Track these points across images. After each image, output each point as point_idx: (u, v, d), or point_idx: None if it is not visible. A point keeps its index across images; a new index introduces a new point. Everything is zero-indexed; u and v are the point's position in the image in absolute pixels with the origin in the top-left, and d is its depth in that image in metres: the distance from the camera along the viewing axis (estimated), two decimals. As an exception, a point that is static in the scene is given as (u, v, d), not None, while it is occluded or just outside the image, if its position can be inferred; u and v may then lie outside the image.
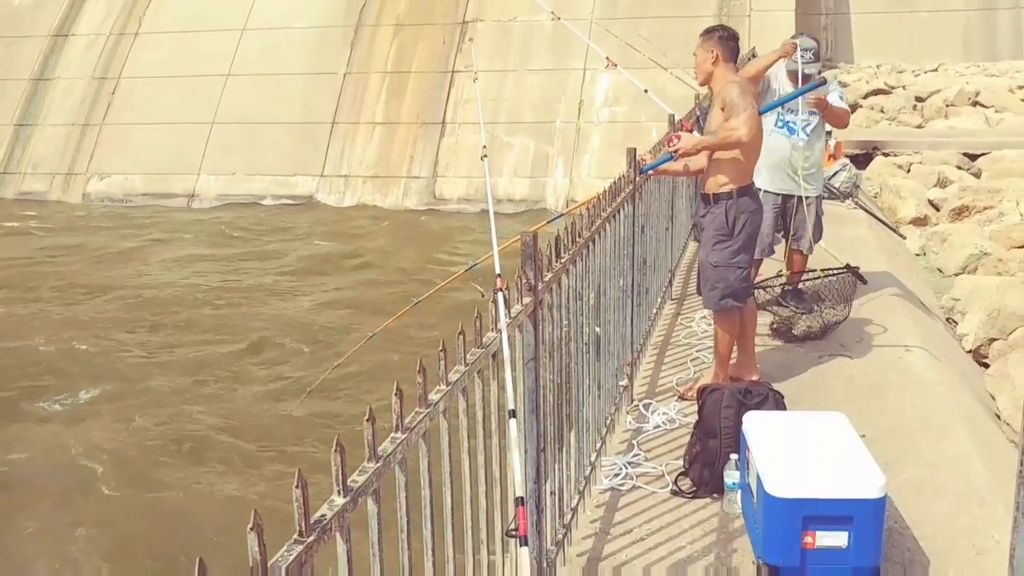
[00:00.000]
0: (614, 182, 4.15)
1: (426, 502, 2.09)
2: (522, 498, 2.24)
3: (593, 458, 3.68)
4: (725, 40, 4.37)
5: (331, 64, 16.71)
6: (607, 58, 6.20)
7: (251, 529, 1.38)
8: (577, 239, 3.35)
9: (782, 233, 5.82)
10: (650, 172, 4.66)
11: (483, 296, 3.71)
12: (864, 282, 6.29)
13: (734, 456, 3.50)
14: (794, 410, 3.88)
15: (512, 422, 2.35)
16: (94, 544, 5.60)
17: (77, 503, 6.10)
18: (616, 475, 3.81)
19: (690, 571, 3.18)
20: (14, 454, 6.75)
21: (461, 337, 2.28)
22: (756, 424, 3.36)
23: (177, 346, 9.09)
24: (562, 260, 3.15)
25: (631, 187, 4.38)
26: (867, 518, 2.89)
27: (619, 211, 4.15)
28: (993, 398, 5.52)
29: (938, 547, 3.27)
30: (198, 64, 17.08)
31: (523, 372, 2.75)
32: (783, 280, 5.72)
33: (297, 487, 1.52)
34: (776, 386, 4.08)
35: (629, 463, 3.90)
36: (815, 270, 5.68)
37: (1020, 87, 14.94)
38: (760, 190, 5.08)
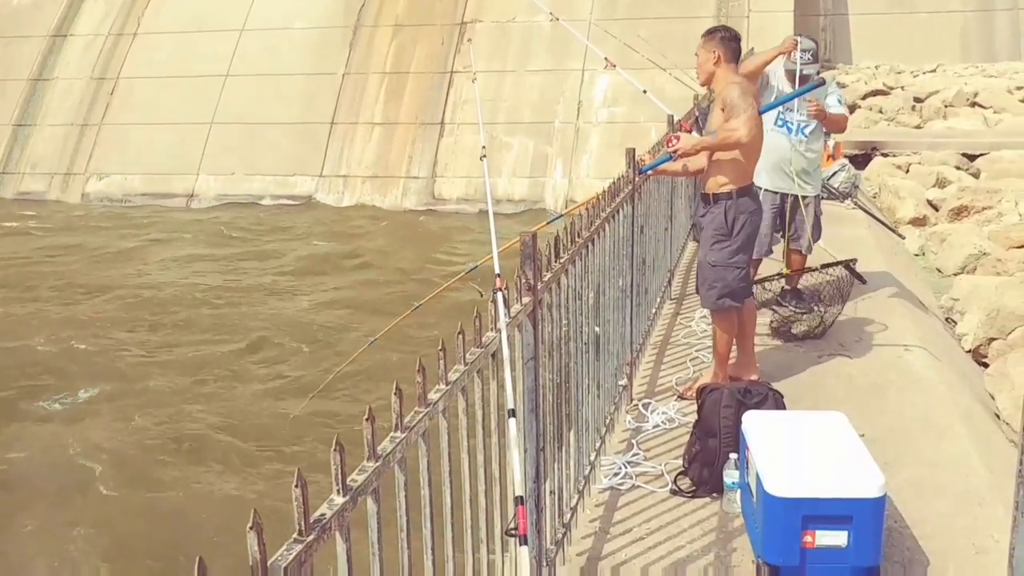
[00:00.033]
0: (613, 182, 4.15)
1: (425, 501, 2.09)
2: (521, 497, 2.23)
3: (592, 457, 3.69)
4: (727, 41, 4.38)
5: (330, 64, 16.71)
6: (606, 59, 6.21)
7: (251, 528, 1.38)
8: (576, 239, 3.35)
9: (781, 233, 5.82)
10: (649, 172, 4.66)
11: (482, 296, 3.72)
12: (863, 281, 6.30)
13: (733, 455, 3.50)
14: (793, 409, 3.88)
15: (511, 421, 2.35)
16: (93, 544, 5.60)
17: (76, 502, 6.10)
18: (615, 474, 3.81)
19: (689, 570, 3.18)
20: (13, 453, 6.75)
21: (460, 337, 2.28)
22: (755, 423, 3.36)
23: (176, 346, 9.08)
24: (561, 260, 3.15)
25: (630, 187, 4.38)
26: (867, 517, 2.89)
27: (618, 211, 4.15)
28: (992, 397, 5.53)
29: (937, 546, 3.27)
30: (197, 64, 17.07)
31: (522, 372, 2.75)
32: (785, 277, 5.72)
33: (296, 486, 1.52)
34: (775, 385, 4.08)
35: (628, 462, 3.90)
36: (815, 268, 5.69)
37: (1018, 88, 14.95)
38: (760, 189, 5.09)
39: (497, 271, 2.72)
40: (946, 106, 14.69)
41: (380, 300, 10.04)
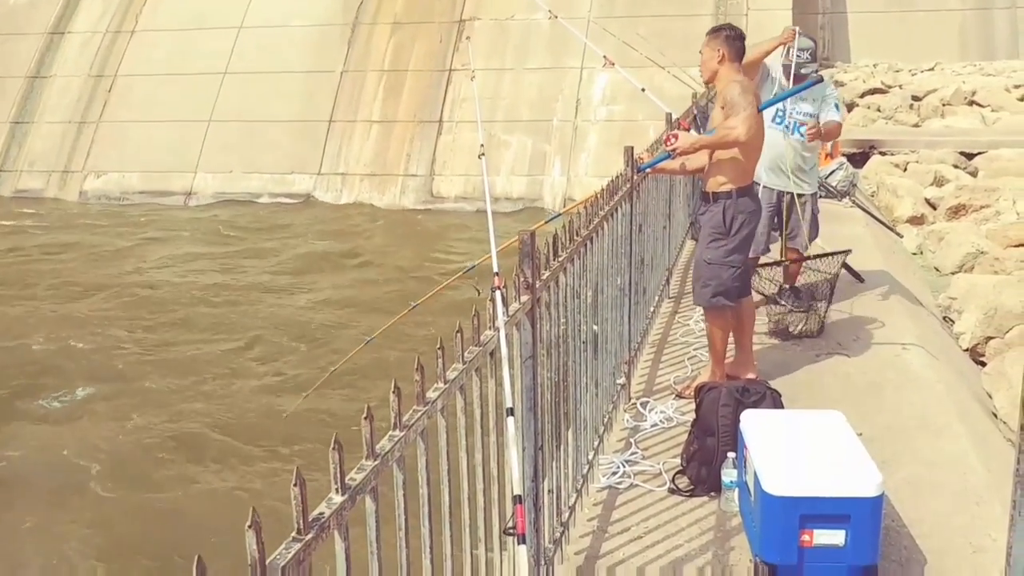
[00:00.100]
0: (611, 181, 4.15)
1: (424, 500, 2.09)
2: (520, 496, 2.23)
3: (591, 456, 3.69)
4: (731, 40, 4.38)
5: (328, 62, 16.69)
6: (604, 57, 6.20)
7: (249, 527, 1.37)
8: (575, 237, 3.35)
9: (778, 232, 5.82)
10: (648, 171, 4.67)
11: (480, 294, 3.71)
12: (861, 280, 6.32)
13: (731, 454, 3.51)
14: (791, 408, 3.89)
15: (510, 420, 2.35)
16: (89, 543, 5.59)
17: (73, 502, 6.09)
18: (614, 473, 3.81)
19: (687, 569, 3.18)
20: (10, 452, 6.74)
21: (459, 335, 2.28)
22: (753, 422, 3.36)
23: (174, 344, 9.08)
24: (560, 258, 3.15)
25: (628, 186, 4.38)
26: (864, 516, 2.89)
27: (617, 210, 4.15)
28: (990, 396, 5.53)
29: (935, 545, 3.28)
30: (195, 62, 17.05)
31: (521, 370, 2.75)
32: (785, 263, 5.72)
33: (295, 485, 1.52)
34: (773, 384, 4.08)
35: (627, 461, 3.90)
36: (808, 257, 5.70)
37: (1016, 86, 14.97)
38: (758, 186, 5.09)
39: (496, 269, 2.72)
40: (944, 104, 14.70)
41: (378, 298, 10.03)
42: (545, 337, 3.00)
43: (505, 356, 2.44)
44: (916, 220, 9.74)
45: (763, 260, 5.80)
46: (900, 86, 15.87)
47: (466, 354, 2.33)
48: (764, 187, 5.48)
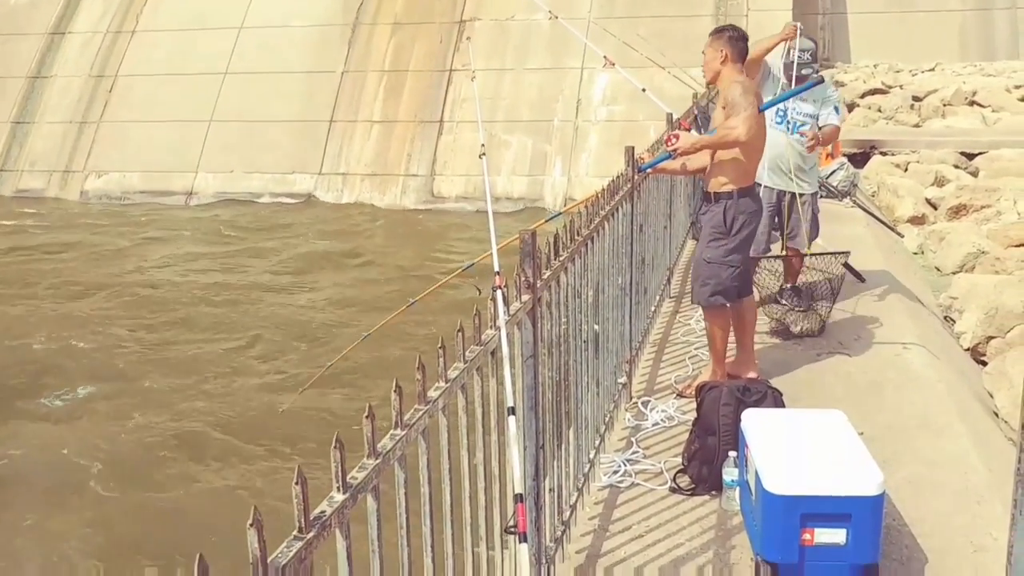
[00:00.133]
0: (612, 180, 4.15)
1: (425, 499, 2.09)
2: (521, 495, 2.23)
3: (592, 455, 3.69)
4: (735, 40, 4.39)
5: (329, 62, 16.70)
6: (605, 57, 6.20)
7: (251, 525, 1.37)
8: (576, 237, 3.35)
9: (779, 232, 5.82)
10: (648, 170, 4.67)
11: (480, 294, 3.71)
12: (862, 279, 6.32)
13: (733, 453, 3.51)
14: (792, 407, 3.89)
15: (511, 419, 2.35)
16: (90, 542, 5.59)
17: (73, 501, 6.09)
18: (615, 472, 3.81)
19: (688, 568, 3.18)
20: (11, 451, 6.74)
21: (460, 334, 2.28)
22: (755, 421, 3.36)
23: (174, 343, 9.08)
24: (561, 258, 3.15)
25: (629, 185, 4.38)
26: (865, 515, 2.89)
27: (617, 209, 4.15)
28: (991, 396, 5.53)
29: (936, 544, 3.28)
30: (196, 62, 17.06)
31: (522, 369, 2.75)
32: (784, 256, 5.72)
33: (297, 483, 1.52)
34: (774, 383, 4.08)
35: (628, 460, 3.90)
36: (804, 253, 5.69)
37: (1017, 87, 14.96)
38: (759, 186, 5.09)
39: (496, 269, 2.72)
40: (945, 105, 14.69)
41: (379, 298, 10.03)
42: (546, 336, 3.00)
43: (506, 355, 2.44)
44: (917, 220, 9.74)
45: (761, 272, 5.80)
46: (901, 86, 15.87)
47: (467, 353, 2.33)
48: (764, 187, 5.48)
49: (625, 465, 3.86)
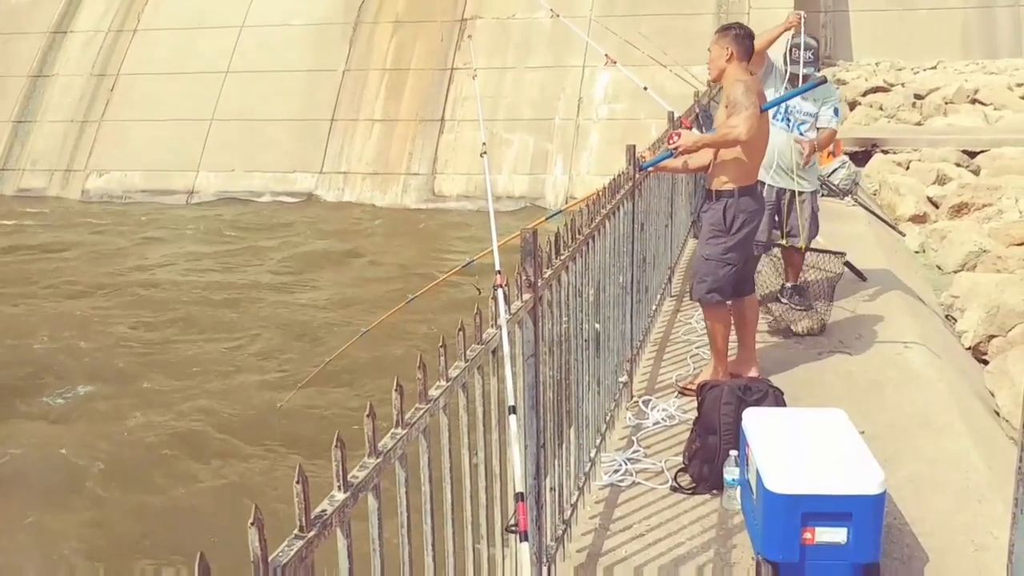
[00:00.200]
0: (613, 179, 4.15)
1: (426, 498, 2.09)
2: (522, 494, 2.23)
3: (593, 454, 3.69)
4: (741, 39, 4.39)
5: (330, 61, 16.70)
6: (606, 55, 6.19)
7: (252, 524, 1.37)
8: (577, 236, 3.35)
9: (779, 229, 5.82)
10: (650, 169, 4.67)
11: (480, 293, 3.71)
12: (863, 278, 6.32)
13: (733, 452, 3.50)
14: (793, 406, 3.88)
15: (512, 418, 2.35)
16: (90, 542, 5.59)
17: (73, 500, 6.08)
18: (616, 471, 3.81)
19: (689, 567, 3.18)
20: (11, 450, 6.74)
21: (461, 333, 2.28)
22: (755, 420, 3.36)
23: (175, 342, 9.08)
24: (562, 257, 3.15)
25: (630, 184, 4.38)
26: (866, 514, 2.89)
27: (619, 208, 4.15)
28: (992, 395, 5.53)
29: (937, 543, 3.28)
30: (197, 61, 17.07)
31: (523, 368, 2.75)
32: (781, 245, 5.71)
33: (298, 482, 1.52)
34: (776, 382, 4.08)
35: (628, 459, 3.90)
36: (813, 248, 5.69)
37: (1019, 85, 14.95)
38: (763, 185, 5.09)
39: (497, 267, 2.72)
40: (946, 103, 14.68)
41: (380, 297, 10.03)
42: (547, 335, 3.00)
43: (507, 354, 2.44)
44: (918, 218, 9.73)
45: (761, 271, 5.79)
46: (902, 84, 15.85)
47: (468, 352, 2.32)
48: (766, 185, 5.47)
49: (626, 464, 3.86)
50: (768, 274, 5.76)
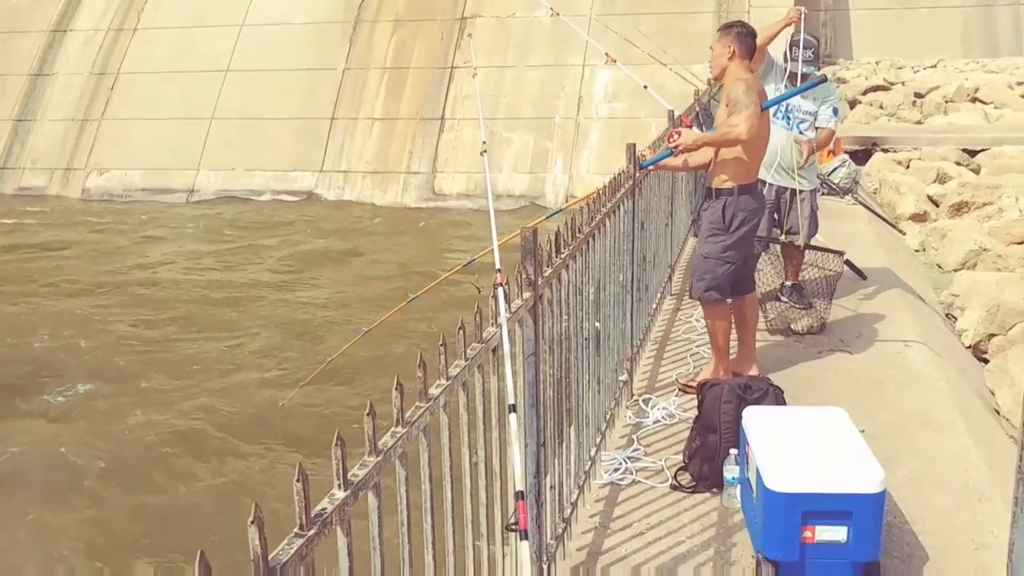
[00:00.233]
0: (614, 178, 4.15)
1: (426, 496, 2.09)
2: (522, 492, 2.23)
3: (593, 453, 3.69)
4: (743, 37, 4.39)
5: (330, 60, 16.70)
6: (606, 54, 6.19)
7: (252, 522, 1.37)
8: (577, 234, 3.35)
9: (778, 228, 5.82)
10: (650, 168, 4.67)
11: (480, 292, 3.71)
12: (863, 277, 6.32)
13: (733, 451, 3.50)
14: (794, 405, 3.89)
15: (512, 417, 2.35)
16: (90, 540, 5.59)
17: (73, 499, 6.09)
18: (616, 470, 3.81)
19: (689, 566, 3.18)
20: (11, 448, 6.74)
21: (461, 332, 2.28)
22: (756, 419, 3.36)
23: (175, 341, 9.09)
24: (562, 255, 3.15)
25: (631, 183, 4.38)
26: (866, 513, 2.89)
27: (619, 207, 4.15)
28: (992, 393, 5.53)
29: (937, 542, 3.28)
30: (197, 60, 17.07)
31: (523, 367, 2.75)
32: (780, 241, 5.71)
33: (298, 480, 1.52)
34: (776, 381, 4.08)
35: (629, 458, 3.90)
36: (813, 246, 5.68)
37: (1019, 83, 14.94)
38: (764, 184, 5.09)
39: (498, 266, 2.71)
40: (947, 101, 14.67)
41: (380, 295, 10.03)
42: (547, 334, 3.00)
43: (507, 352, 2.44)
44: (919, 217, 9.72)
45: (761, 269, 5.79)
46: (903, 83, 15.85)
47: (468, 350, 2.32)
48: (769, 184, 5.47)
49: (626, 463, 3.86)
50: (768, 273, 5.76)
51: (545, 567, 3.00)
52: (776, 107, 5.46)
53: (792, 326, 5.41)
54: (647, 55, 8.13)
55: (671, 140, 4.43)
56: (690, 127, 4.75)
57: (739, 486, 3.45)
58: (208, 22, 17.42)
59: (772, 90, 5.24)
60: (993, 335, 6.27)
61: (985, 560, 3.17)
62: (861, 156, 11.73)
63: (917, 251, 8.92)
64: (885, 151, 12.11)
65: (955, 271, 7.87)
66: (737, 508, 3.46)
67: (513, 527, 2.32)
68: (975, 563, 3.18)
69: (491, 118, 14.99)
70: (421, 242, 13.08)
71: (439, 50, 16.34)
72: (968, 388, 5.20)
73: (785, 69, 5.50)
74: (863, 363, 4.95)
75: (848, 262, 6.03)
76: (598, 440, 3.79)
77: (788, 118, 5.55)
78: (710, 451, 3.66)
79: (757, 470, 3.05)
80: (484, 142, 3.99)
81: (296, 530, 1.54)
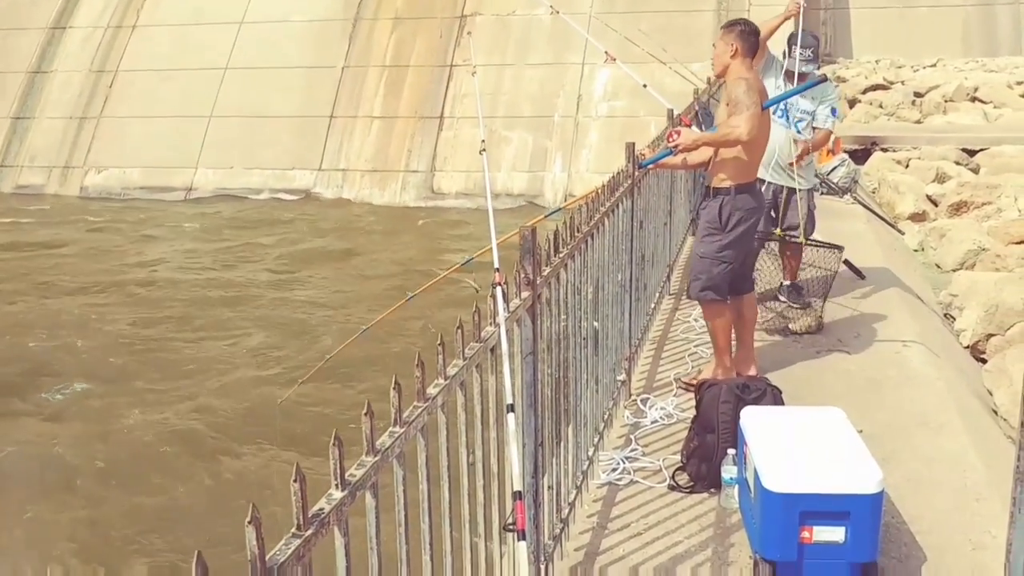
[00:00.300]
0: (613, 176, 4.14)
1: (424, 496, 2.08)
2: (520, 492, 2.23)
3: (591, 453, 3.68)
4: (746, 35, 4.39)
5: (329, 58, 16.68)
6: (606, 52, 6.18)
7: (249, 522, 1.37)
8: (576, 233, 3.35)
9: (775, 227, 5.81)
10: (649, 167, 4.66)
11: (478, 291, 3.70)
12: (862, 276, 6.32)
13: (731, 451, 3.50)
14: (792, 405, 3.88)
15: (510, 416, 2.35)
16: (86, 540, 5.58)
17: (69, 498, 6.08)
18: (613, 470, 3.80)
19: (687, 566, 3.18)
20: (7, 447, 6.73)
21: (459, 331, 2.28)
22: (754, 419, 3.35)
23: (173, 340, 9.08)
24: (561, 254, 3.14)
25: (630, 182, 4.37)
26: (864, 513, 2.89)
27: (618, 206, 4.15)
28: (990, 393, 5.53)
29: (934, 542, 3.28)
30: (196, 57, 17.05)
31: (521, 366, 2.75)
32: (778, 238, 5.71)
33: (295, 480, 1.51)
34: (774, 381, 4.07)
35: (626, 458, 3.90)
36: (813, 241, 5.67)
37: (1019, 83, 14.93)
38: (763, 183, 5.08)
39: (496, 265, 2.71)
40: (946, 101, 14.66)
41: (378, 294, 10.04)
42: (546, 333, 2.99)
43: (506, 352, 2.44)
44: (917, 217, 9.72)
45: (760, 268, 5.78)
46: (902, 82, 15.83)
47: (466, 350, 2.32)
48: (768, 183, 5.47)
49: (624, 463, 3.85)
50: (767, 272, 5.76)
51: (543, 567, 3.00)
52: (776, 105, 5.46)
53: (790, 326, 5.40)
54: (647, 53, 8.12)
55: (671, 139, 4.42)
56: (689, 126, 4.74)
57: (737, 486, 3.44)
58: (207, 19, 17.40)
59: (771, 85, 5.24)
60: (991, 335, 6.27)
61: (983, 560, 3.17)
62: (860, 155, 11.72)
63: (916, 251, 8.92)
64: (884, 150, 12.10)
65: (954, 271, 7.86)
66: (735, 508, 3.46)
67: (511, 527, 2.32)
68: (973, 563, 3.17)
69: (490, 117, 14.99)
70: (419, 241, 13.08)
71: (439, 48, 16.33)
72: (966, 388, 5.20)
73: (783, 65, 5.50)
74: (861, 363, 4.95)
75: (847, 262, 6.03)
76: (596, 440, 3.79)
77: (787, 116, 5.55)
78: (708, 451, 3.65)
79: (755, 470, 3.05)
80: (483, 141, 3.98)
81: (293, 530, 1.53)
